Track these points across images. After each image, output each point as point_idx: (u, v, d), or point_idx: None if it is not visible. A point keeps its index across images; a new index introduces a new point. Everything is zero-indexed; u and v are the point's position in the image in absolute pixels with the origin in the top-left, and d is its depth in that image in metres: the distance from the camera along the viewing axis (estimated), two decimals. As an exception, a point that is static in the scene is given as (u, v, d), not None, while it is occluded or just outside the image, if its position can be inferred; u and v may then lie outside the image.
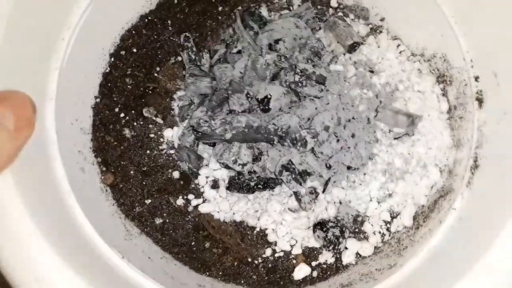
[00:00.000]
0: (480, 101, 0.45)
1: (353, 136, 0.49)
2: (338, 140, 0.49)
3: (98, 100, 0.52)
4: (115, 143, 0.52)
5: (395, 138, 0.49)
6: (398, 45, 0.54)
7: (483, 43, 0.45)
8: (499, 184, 0.40)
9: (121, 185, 0.51)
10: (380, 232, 0.48)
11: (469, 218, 0.40)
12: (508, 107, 0.41)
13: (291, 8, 0.58)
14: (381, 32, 0.55)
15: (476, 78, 0.46)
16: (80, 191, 0.45)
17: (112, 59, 0.54)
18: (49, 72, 0.46)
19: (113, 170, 0.51)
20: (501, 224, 0.36)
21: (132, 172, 0.52)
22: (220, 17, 0.57)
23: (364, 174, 0.49)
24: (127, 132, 0.53)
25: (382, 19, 0.56)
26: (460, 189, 0.43)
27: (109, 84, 0.53)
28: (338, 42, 0.54)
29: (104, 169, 0.51)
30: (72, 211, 0.43)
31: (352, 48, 0.53)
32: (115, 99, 0.53)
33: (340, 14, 0.57)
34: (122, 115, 0.53)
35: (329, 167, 0.49)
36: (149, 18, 0.56)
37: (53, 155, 0.44)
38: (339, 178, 0.49)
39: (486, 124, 0.44)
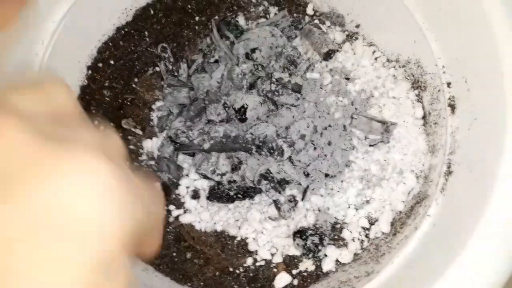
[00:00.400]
0: (452, 107, 0.45)
1: (329, 143, 0.49)
2: (315, 148, 0.49)
3: (75, 113, 0.52)
4: (93, 156, 0.52)
5: (370, 145, 0.49)
6: (374, 51, 0.54)
7: (453, 49, 0.45)
8: (471, 188, 0.40)
9: (100, 198, 0.51)
10: (359, 239, 0.48)
11: (442, 224, 0.41)
12: (478, 113, 0.42)
13: (268, 16, 0.58)
14: (356, 38, 0.56)
15: (448, 84, 0.46)
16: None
17: (90, 71, 0.54)
18: (24, 87, 0.45)
19: (92, 184, 0.51)
20: (472, 228, 0.36)
21: (111, 184, 0.51)
22: (197, 27, 0.57)
23: (342, 181, 0.49)
24: (106, 144, 0.53)
25: (357, 26, 0.56)
26: (435, 195, 0.43)
27: (87, 97, 0.53)
28: (314, 50, 0.54)
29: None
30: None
31: (328, 55, 0.54)
32: (93, 111, 0.53)
33: (316, 21, 0.57)
34: (101, 128, 0.53)
35: (307, 175, 0.49)
36: (126, 29, 0.56)
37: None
38: (318, 185, 0.50)
39: (458, 130, 0.44)
